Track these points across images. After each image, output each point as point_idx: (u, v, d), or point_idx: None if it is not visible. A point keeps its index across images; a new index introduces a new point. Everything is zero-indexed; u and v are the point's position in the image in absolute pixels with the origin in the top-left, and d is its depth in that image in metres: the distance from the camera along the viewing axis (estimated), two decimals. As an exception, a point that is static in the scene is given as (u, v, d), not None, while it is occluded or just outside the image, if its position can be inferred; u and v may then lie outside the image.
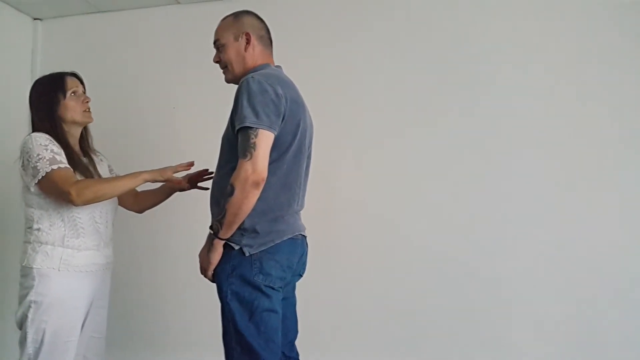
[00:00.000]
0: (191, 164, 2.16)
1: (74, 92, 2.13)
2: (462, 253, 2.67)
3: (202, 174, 2.30)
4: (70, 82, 2.14)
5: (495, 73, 2.71)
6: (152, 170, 2.08)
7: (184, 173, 2.26)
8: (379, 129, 2.82)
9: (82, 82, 2.20)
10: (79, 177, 2.03)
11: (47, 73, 2.17)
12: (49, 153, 1.95)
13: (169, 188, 2.35)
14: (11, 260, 3.16)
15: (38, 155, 1.94)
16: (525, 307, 2.60)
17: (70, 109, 2.10)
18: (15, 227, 3.19)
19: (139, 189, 2.25)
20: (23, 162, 1.99)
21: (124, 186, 2.03)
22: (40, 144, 1.97)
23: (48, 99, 2.08)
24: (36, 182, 1.94)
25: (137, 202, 2.41)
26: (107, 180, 2.10)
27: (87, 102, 2.17)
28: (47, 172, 1.93)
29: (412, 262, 2.72)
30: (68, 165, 1.98)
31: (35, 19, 3.36)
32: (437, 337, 2.68)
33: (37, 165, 1.93)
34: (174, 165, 2.13)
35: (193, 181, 2.31)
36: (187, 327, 2.98)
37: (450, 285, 2.68)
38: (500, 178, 2.67)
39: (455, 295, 2.67)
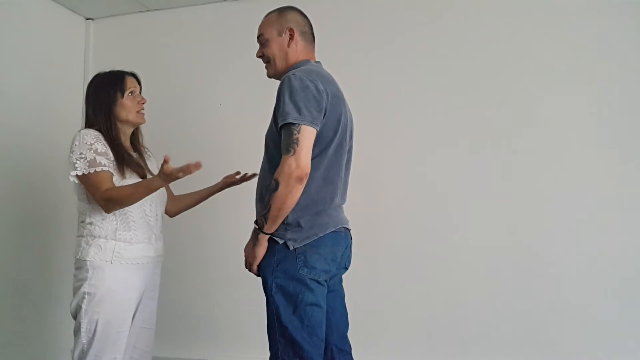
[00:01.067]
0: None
1: (131, 92, 2.16)
2: (511, 250, 2.64)
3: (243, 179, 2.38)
4: (130, 81, 2.17)
5: (538, 68, 2.68)
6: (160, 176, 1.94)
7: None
8: (425, 125, 2.81)
9: (139, 83, 2.24)
10: (129, 177, 2.07)
11: (106, 70, 2.20)
12: (91, 154, 1.99)
13: (210, 193, 2.43)
14: (66, 253, 3.29)
15: (81, 154, 1.99)
16: (576, 306, 2.55)
17: (126, 108, 2.13)
18: (68, 222, 3.32)
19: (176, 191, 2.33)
20: (69, 156, 2.04)
21: (148, 192, 1.99)
22: (86, 143, 2.01)
23: (106, 96, 2.12)
24: (71, 177, 2.00)
25: (175, 204, 2.42)
26: (134, 189, 1.99)
27: (143, 103, 2.20)
28: (83, 173, 1.98)
29: (455, 256, 2.71)
30: (106, 168, 2.01)
31: (87, 18, 3.47)
32: (481, 333, 2.66)
33: (76, 163, 1.98)
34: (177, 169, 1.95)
35: (231, 184, 2.41)
36: (233, 319, 3.04)
37: (495, 280, 2.65)
38: (550, 175, 2.63)
39: (500, 291, 2.64)
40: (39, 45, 3.12)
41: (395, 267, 2.79)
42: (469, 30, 2.79)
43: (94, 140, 2.03)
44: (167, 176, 1.85)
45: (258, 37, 2.00)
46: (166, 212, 2.38)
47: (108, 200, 1.96)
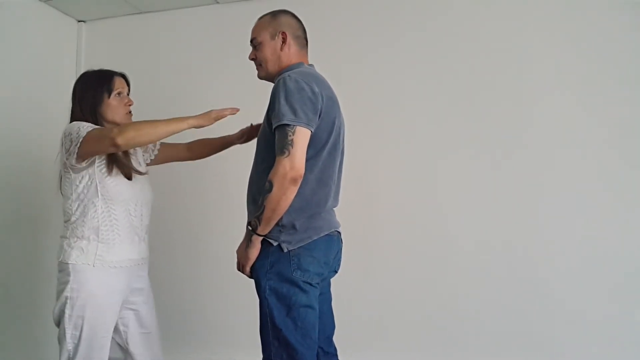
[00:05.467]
0: (236, 110, 2.09)
1: (119, 93, 2.13)
2: (506, 252, 2.65)
3: (257, 128, 2.28)
4: (118, 82, 2.15)
5: (533, 70, 2.69)
6: (198, 115, 2.03)
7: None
8: (419, 127, 2.82)
9: (128, 84, 2.21)
10: (115, 175, 2.04)
11: (95, 68, 2.17)
12: (86, 125, 1.97)
13: (227, 142, 2.40)
14: (51, 256, 3.27)
15: (78, 127, 1.96)
16: (569, 305, 2.56)
17: (113, 109, 2.11)
18: (57, 223, 3.29)
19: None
20: (64, 145, 1.99)
21: (167, 129, 1.97)
22: (78, 124, 1.98)
23: (93, 95, 2.09)
24: (78, 145, 1.93)
25: (191, 150, 2.42)
26: (151, 121, 1.98)
27: (130, 105, 2.18)
28: (87, 132, 1.93)
29: (449, 258, 2.72)
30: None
31: (79, 21, 3.46)
32: (475, 334, 2.66)
33: (79, 132, 1.94)
34: (218, 109, 2.06)
35: (249, 136, 2.35)
36: (224, 322, 3.03)
37: (489, 282, 2.66)
38: (543, 176, 2.64)
39: (494, 293, 2.65)
40: (31, 47, 3.10)
41: (389, 270, 2.79)
42: (465, 33, 2.80)
43: (86, 124, 2.01)
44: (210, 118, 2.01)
45: (251, 41, 2.00)
46: (185, 159, 2.42)
47: (126, 127, 1.91)
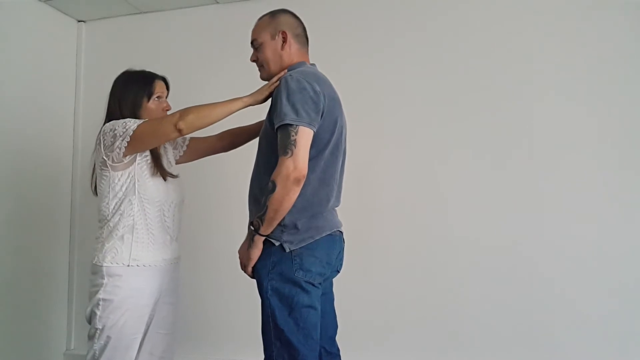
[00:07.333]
0: (283, 73, 1.93)
1: (158, 97, 2.12)
2: (502, 249, 2.65)
3: None
4: (159, 86, 2.13)
5: (533, 70, 2.69)
6: (251, 93, 1.99)
7: None
8: (420, 127, 2.82)
9: (168, 88, 2.20)
10: (157, 175, 2.04)
11: (136, 69, 2.16)
12: (135, 120, 1.97)
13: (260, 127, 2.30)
14: (58, 253, 3.28)
15: (125, 123, 1.95)
16: (570, 304, 2.56)
17: (150, 112, 2.09)
18: (61, 222, 3.30)
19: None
20: (103, 142, 1.97)
21: (224, 110, 1.96)
22: (126, 120, 1.97)
23: (133, 98, 2.08)
24: (128, 139, 1.92)
25: (223, 140, 2.34)
26: (208, 104, 1.97)
27: (168, 109, 2.15)
28: (138, 126, 1.93)
29: (450, 258, 2.72)
30: None
31: (79, 21, 3.46)
32: (476, 334, 2.67)
33: (126, 126, 1.93)
34: (267, 84, 1.98)
35: None
36: (224, 322, 3.03)
37: (490, 282, 2.66)
38: (546, 175, 2.64)
39: (494, 293, 2.65)
40: (31, 47, 3.10)
41: (391, 270, 2.79)
42: (465, 32, 2.80)
43: (133, 119, 1.99)
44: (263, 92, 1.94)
45: (252, 42, 1.98)
46: (220, 150, 2.34)
47: (186, 111, 1.90)
